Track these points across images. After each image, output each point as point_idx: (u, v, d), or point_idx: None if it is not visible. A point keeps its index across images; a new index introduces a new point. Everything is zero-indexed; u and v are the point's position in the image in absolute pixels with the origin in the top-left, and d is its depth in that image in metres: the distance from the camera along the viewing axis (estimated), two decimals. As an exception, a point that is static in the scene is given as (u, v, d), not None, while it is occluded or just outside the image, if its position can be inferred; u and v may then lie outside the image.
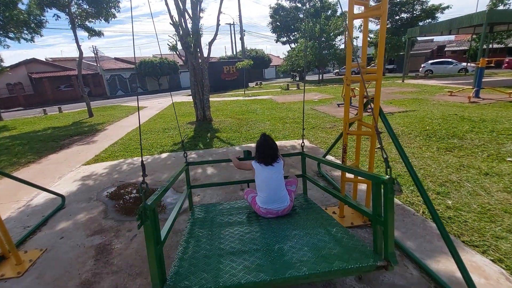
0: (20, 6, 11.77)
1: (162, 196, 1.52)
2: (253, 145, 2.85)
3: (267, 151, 2.28)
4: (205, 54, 8.11)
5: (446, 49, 37.77)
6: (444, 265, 2.08)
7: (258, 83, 28.37)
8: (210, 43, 8.06)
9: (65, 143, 7.68)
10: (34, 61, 28.23)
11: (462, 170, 3.77)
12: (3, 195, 4.12)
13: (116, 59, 36.65)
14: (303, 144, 2.82)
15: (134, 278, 2.15)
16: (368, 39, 26.31)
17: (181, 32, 7.54)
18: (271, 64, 43.00)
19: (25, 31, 12.45)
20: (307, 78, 33.57)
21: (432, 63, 26.01)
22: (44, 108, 17.45)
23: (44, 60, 30.35)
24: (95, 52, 30.34)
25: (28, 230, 2.97)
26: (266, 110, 10.49)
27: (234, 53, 39.05)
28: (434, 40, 39.79)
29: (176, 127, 8.21)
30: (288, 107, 10.89)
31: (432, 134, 5.55)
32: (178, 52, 7.98)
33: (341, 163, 2.81)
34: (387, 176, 1.33)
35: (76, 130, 9.46)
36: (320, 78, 26.73)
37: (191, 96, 8.84)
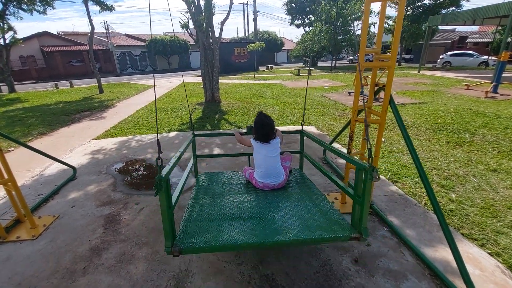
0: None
1: (173, 168, 1.67)
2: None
3: (263, 130, 2.34)
4: (217, 34, 7.99)
5: (468, 40, 36.02)
6: (440, 255, 2.12)
7: (269, 67, 27.91)
8: (223, 22, 7.90)
9: (76, 117, 7.84)
10: (46, 34, 28.24)
11: (469, 165, 3.73)
12: (17, 164, 4.29)
13: (127, 35, 36.34)
14: (303, 123, 2.93)
15: (140, 247, 2.26)
16: (386, 25, 25.31)
17: (193, 10, 7.40)
18: (284, 48, 42.00)
19: (38, 3, 12.39)
20: (320, 64, 32.78)
21: (451, 55, 24.93)
22: (55, 82, 17.66)
23: (56, 34, 30.34)
24: (106, 27, 30.13)
25: (42, 197, 3.12)
26: (275, 95, 10.39)
27: (246, 34, 38.20)
28: (456, 30, 37.97)
29: (184, 107, 8.25)
30: (298, 93, 10.76)
31: (443, 128, 5.45)
32: (189, 31, 7.87)
33: (346, 151, 2.85)
34: (368, 164, 1.50)
35: (87, 106, 9.60)
36: (333, 64, 26.10)
37: (200, 77, 8.80)
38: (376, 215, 2.62)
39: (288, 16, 35.30)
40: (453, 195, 2.99)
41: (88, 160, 4.29)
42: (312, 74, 19.61)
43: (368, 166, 1.48)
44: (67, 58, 28.57)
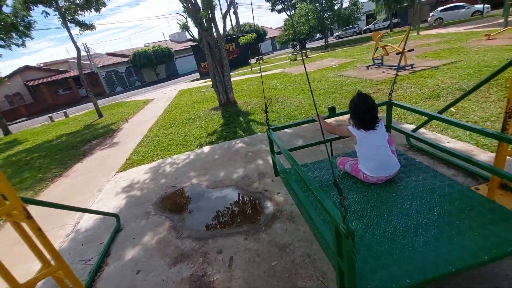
0: (4, 9, 10.78)
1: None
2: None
3: (368, 115, 1.92)
4: (221, 30, 7.21)
5: (453, -7, 35.09)
6: None
7: (259, 58, 26.94)
8: (225, 16, 7.11)
9: (85, 149, 7.11)
10: (27, 68, 27.21)
11: None
12: (43, 220, 3.58)
13: (109, 54, 35.18)
14: (391, 91, 2.57)
15: (268, 326, 1.59)
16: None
17: (190, 7, 6.61)
18: (266, 36, 40.87)
19: (15, 36, 11.54)
20: (309, 46, 31.82)
21: (441, 10, 24.11)
22: (49, 115, 16.81)
23: (37, 66, 29.26)
24: (86, 49, 29.02)
25: (93, 265, 2.44)
26: (287, 84, 9.66)
27: (227, 29, 37.06)
28: (438, -15, 36.93)
29: (200, 116, 7.52)
30: (310, 78, 10.03)
31: (506, 83, 4.77)
32: (190, 32, 7.10)
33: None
34: None
35: (92, 134, 8.85)
36: (326, 43, 25.26)
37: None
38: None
39: (268, 2, 34.18)
40: None
41: (126, 200, 3.59)
42: (309, 56, 18.81)
43: None
44: (53, 89, 27.62)
